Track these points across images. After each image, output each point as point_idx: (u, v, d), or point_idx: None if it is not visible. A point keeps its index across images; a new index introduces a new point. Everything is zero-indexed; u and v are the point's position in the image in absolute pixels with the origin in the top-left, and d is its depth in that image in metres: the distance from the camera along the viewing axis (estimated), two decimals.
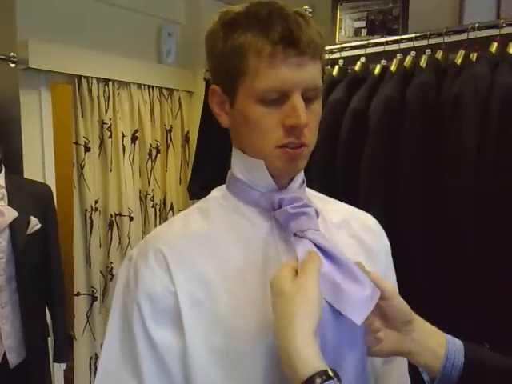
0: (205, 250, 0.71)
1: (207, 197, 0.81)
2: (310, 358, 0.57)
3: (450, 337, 0.70)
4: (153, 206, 2.50)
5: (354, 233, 0.80)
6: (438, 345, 0.68)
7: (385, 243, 0.84)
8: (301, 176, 0.77)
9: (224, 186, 0.80)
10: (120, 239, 2.33)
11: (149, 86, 2.47)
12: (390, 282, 0.81)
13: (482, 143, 1.27)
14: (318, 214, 0.73)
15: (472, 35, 1.60)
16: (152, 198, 2.49)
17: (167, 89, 2.56)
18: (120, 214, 2.32)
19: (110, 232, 2.29)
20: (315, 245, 0.68)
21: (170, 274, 0.68)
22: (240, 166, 0.76)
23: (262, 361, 0.66)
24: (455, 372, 0.67)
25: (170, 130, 2.59)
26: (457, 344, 0.69)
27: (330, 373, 0.56)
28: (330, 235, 0.77)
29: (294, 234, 0.70)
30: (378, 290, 0.67)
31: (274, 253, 0.72)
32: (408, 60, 1.70)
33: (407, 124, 1.39)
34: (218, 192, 0.80)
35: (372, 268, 0.77)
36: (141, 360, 0.68)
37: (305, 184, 0.79)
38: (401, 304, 0.69)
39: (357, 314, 0.64)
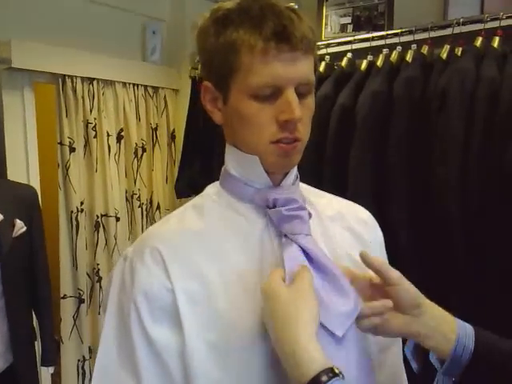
0: (201, 247, 0.71)
1: (201, 193, 0.81)
2: (316, 356, 0.57)
3: (460, 321, 0.70)
4: (139, 206, 2.47)
5: (348, 225, 0.81)
6: (449, 329, 0.69)
7: (378, 235, 0.85)
8: (294, 171, 0.77)
9: (218, 182, 0.80)
10: (106, 240, 2.30)
11: (134, 85, 2.44)
12: None
13: (469, 136, 1.28)
14: (310, 216, 0.74)
15: (457, 30, 1.62)
16: (138, 198, 2.47)
17: (152, 87, 2.53)
18: (106, 215, 2.29)
19: (96, 233, 2.26)
20: (304, 250, 0.69)
21: (167, 271, 0.68)
22: (234, 162, 0.76)
23: (259, 356, 0.65)
24: (465, 356, 0.67)
25: (155, 129, 2.56)
26: (467, 328, 0.69)
27: (336, 370, 0.56)
28: (325, 228, 0.78)
29: (285, 236, 0.71)
30: (361, 303, 0.68)
31: (269, 248, 0.72)
32: (394, 55, 1.71)
33: (394, 118, 1.40)
34: (211, 189, 0.80)
35: None
36: (139, 359, 0.67)
37: (298, 179, 0.79)
38: (408, 289, 0.69)
39: (338, 327, 0.66)
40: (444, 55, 1.59)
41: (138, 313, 0.67)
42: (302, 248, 0.70)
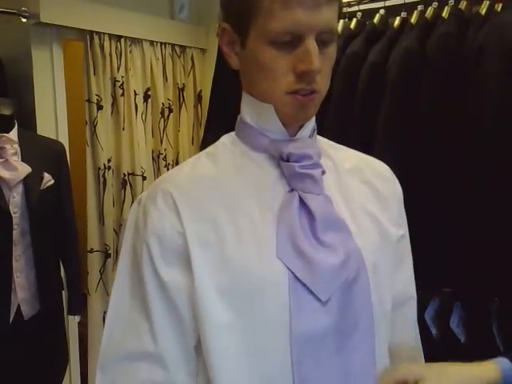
0: (213, 192, 0.70)
1: (216, 143, 0.80)
2: None
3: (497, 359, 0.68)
4: (165, 166, 2.49)
5: (366, 179, 0.78)
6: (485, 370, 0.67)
7: (397, 191, 0.82)
8: (311, 124, 0.75)
9: (233, 132, 0.79)
10: (133, 198, 2.33)
11: (161, 43, 2.42)
12: (402, 231, 0.79)
13: (505, 94, 1.21)
14: (324, 173, 0.72)
15: None
16: (164, 158, 2.48)
17: (180, 46, 2.51)
18: (133, 174, 2.32)
19: (123, 191, 2.30)
20: (309, 210, 0.68)
21: (179, 215, 0.68)
22: (249, 110, 0.74)
23: (269, 301, 0.65)
24: None
25: (182, 89, 2.55)
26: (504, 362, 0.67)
27: None
28: (341, 182, 0.76)
29: (291, 190, 0.70)
30: (356, 258, 0.67)
31: (282, 198, 0.70)
32: (429, 11, 1.62)
33: (427, 76, 1.34)
34: (227, 138, 0.79)
35: (383, 214, 0.76)
36: (150, 300, 0.68)
37: (315, 132, 0.77)
38: (403, 373, 0.67)
39: (323, 289, 0.65)
40: (483, 11, 1.50)
41: (150, 255, 0.68)
42: (308, 208, 0.68)
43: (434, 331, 1.38)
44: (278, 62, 0.65)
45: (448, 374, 0.66)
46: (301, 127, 0.72)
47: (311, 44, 0.63)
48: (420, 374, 0.65)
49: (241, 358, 0.65)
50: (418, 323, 0.87)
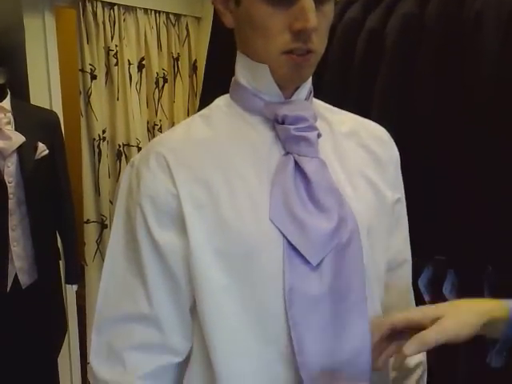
0: (207, 154, 0.69)
1: (210, 105, 0.78)
2: None
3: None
4: None
5: (362, 142, 0.78)
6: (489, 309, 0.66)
7: (394, 154, 0.82)
8: (307, 86, 0.73)
9: (228, 94, 0.77)
10: None
11: (155, 11, 2.37)
12: (398, 194, 0.79)
13: (504, 59, 1.20)
14: (319, 136, 0.71)
15: None
16: (160, 129, 2.46)
17: (174, 14, 2.46)
18: (128, 145, 2.31)
19: (118, 162, 2.29)
20: (304, 173, 0.67)
21: (172, 176, 0.67)
22: (244, 71, 0.73)
23: (264, 263, 0.65)
24: None
25: (177, 59, 2.51)
26: None
27: None
28: (338, 145, 0.75)
29: (287, 153, 0.69)
30: (349, 222, 0.67)
31: (277, 160, 0.70)
32: None
33: (426, 41, 1.32)
34: (221, 100, 0.78)
35: (380, 177, 0.75)
36: (145, 263, 0.68)
37: (312, 94, 0.76)
38: (417, 314, 0.66)
39: (314, 253, 0.64)
40: None
41: (143, 217, 0.68)
42: (303, 171, 0.68)
43: (426, 298, 1.40)
44: (273, 20, 0.63)
45: (463, 309, 0.66)
46: (296, 89, 0.71)
47: (307, 1, 0.62)
48: (436, 314, 0.64)
49: (238, 320, 0.66)
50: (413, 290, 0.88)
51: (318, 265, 0.65)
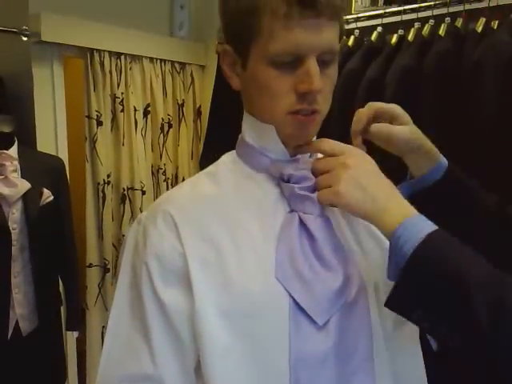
0: (213, 212, 0.70)
1: (217, 162, 0.80)
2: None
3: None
4: (165, 180, 2.50)
5: None
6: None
7: None
8: None
9: (234, 151, 0.79)
10: (132, 213, 2.33)
11: (161, 60, 2.44)
12: None
13: (503, 111, 1.22)
14: None
15: (493, 2, 1.54)
16: (164, 173, 2.49)
17: (179, 63, 2.53)
18: (132, 188, 2.33)
19: (122, 205, 2.30)
20: (309, 232, 0.68)
21: (179, 235, 0.67)
22: (250, 131, 0.74)
23: (269, 323, 0.65)
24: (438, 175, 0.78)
25: (182, 105, 2.57)
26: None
27: None
28: None
29: (291, 211, 0.70)
30: (356, 280, 0.67)
31: (283, 216, 0.70)
32: (426, 29, 1.64)
33: (425, 93, 1.35)
34: (227, 157, 0.79)
35: None
36: (149, 321, 0.67)
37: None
38: (409, 129, 0.77)
39: (320, 313, 0.64)
40: (479, 28, 1.52)
41: (149, 276, 0.67)
42: (308, 229, 0.68)
43: (433, 345, 1.37)
44: (278, 83, 0.65)
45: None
46: None
47: (312, 65, 0.64)
48: (396, 111, 0.78)
49: (241, 381, 0.64)
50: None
51: (325, 324, 0.65)
